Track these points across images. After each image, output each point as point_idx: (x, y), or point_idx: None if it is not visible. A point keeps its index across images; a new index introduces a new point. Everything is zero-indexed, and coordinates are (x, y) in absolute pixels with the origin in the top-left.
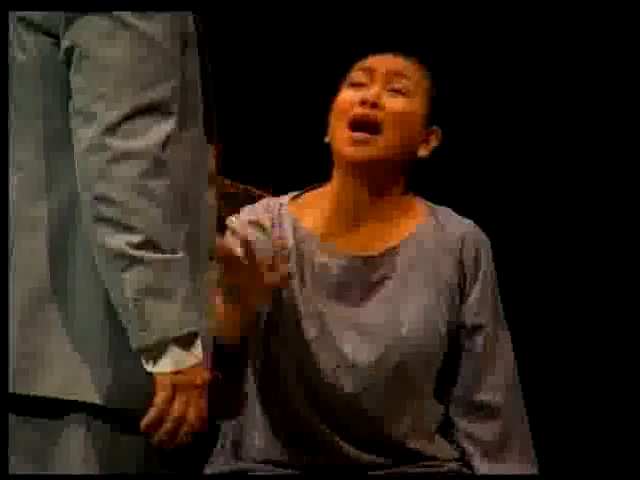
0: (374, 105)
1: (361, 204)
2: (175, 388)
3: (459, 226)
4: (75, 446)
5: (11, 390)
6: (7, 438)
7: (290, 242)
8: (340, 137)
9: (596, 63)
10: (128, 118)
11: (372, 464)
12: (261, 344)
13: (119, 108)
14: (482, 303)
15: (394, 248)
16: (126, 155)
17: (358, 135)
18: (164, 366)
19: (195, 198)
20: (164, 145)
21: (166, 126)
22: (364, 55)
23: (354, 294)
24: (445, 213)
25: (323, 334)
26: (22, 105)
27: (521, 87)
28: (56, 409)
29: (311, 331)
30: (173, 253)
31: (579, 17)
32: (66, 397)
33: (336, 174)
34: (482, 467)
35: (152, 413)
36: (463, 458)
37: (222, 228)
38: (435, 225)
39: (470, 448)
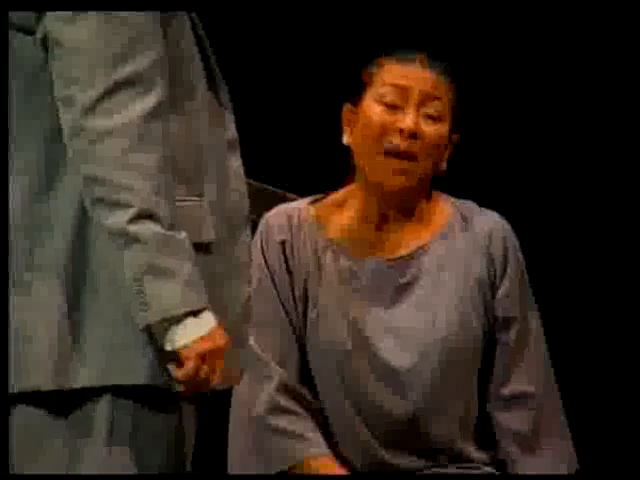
0: (412, 136)
1: (388, 214)
2: (201, 357)
3: (485, 220)
4: (101, 427)
5: (49, 388)
6: (7, 437)
7: (314, 249)
8: (375, 164)
9: (613, 61)
10: (104, 96)
11: (412, 469)
12: (299, 355)
13: (93, 88)
14: (513, 296)
15: (422, 248)
16: (108, 133)
17: (398, 163)
18: (185, 338)
19: (214, 167)
20: (148, 118)
21: (149, 98)
22: (371, 53)
23: (386, 297)
24: (469, 207)
25: (360, 342)
26: (14, 107)
27: (536, 82)
28: (85, 398)
29: (348, 340)
30: (172, 229)
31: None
32: (99, 384)
33: (360, 186)
34: (519, 460)
35: (181, 387)
36: (498, 460)
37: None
38: (461, 222)
39: (507, 442)
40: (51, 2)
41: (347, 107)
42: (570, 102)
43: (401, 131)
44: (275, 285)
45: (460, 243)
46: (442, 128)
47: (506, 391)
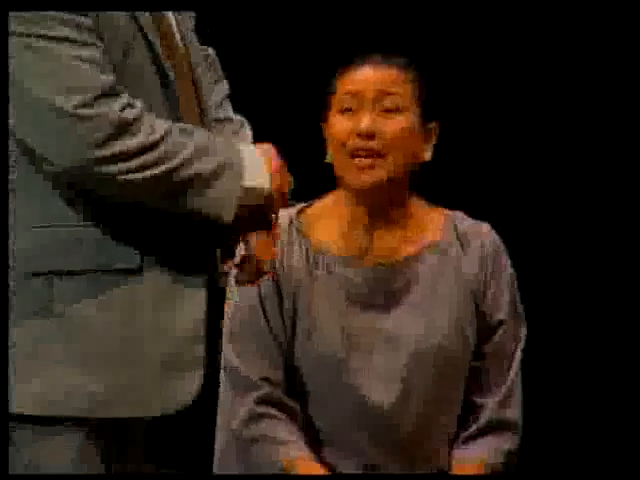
0: (371, 136)
1: (374, 219)
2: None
3: (478, 231)
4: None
5: None
6: (7, 438)
7: (305, 259)
8: (344, 166)
9: (593, 60)
10: None
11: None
12: (283, 367)
13: None
14: (500, 303)
15: (415, 255)
16: None
17: (363, 161)
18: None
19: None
20: None
21: None
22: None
23: (379, 303)
24: (461, 217)
25: (355, 349)
26: None
27: (520, 84)
28: None
29: (343, 348)
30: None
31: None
32: None
33: (343, 193)
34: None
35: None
36: None
37: None
38: (454, 231)
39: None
40: (51, 2)
41: (323, 126)
42: (558, 111)
43: (359, 134)
44: (261, 299)
45: (454, 252)
46: (404, 119)
47: (470, 401)
